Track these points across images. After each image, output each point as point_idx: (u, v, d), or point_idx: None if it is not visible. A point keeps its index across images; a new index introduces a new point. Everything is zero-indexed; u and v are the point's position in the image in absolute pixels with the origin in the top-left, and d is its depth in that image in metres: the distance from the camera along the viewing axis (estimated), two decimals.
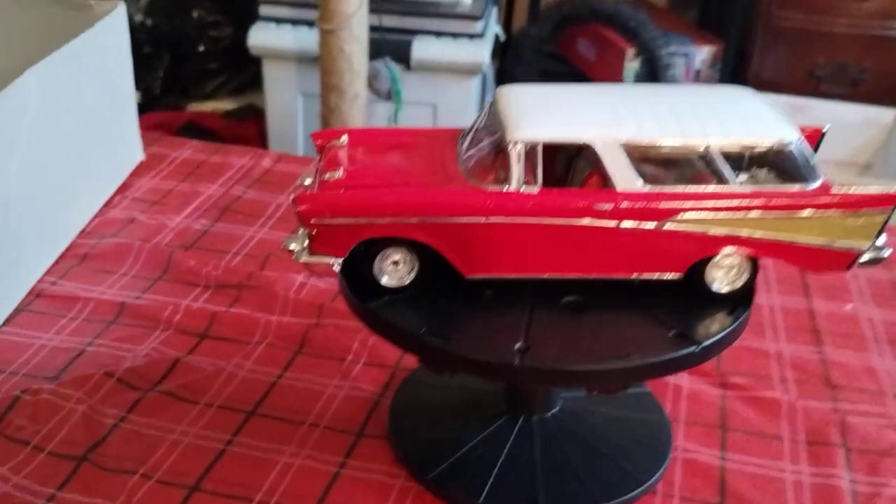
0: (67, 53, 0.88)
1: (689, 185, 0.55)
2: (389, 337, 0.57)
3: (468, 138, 0.60)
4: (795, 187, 0.55)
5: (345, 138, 0.64)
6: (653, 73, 2.35)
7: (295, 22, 2.03)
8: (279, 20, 2.05)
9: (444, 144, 0.62)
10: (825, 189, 0.56)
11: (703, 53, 2.45)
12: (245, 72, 2.44)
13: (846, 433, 0.69)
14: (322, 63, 1.89)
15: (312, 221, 0.55)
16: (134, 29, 2.48)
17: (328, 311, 0.81)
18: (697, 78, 2.47)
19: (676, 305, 0.57)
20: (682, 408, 0.72)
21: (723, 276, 0.57)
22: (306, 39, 1.99)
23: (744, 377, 0.75)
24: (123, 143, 1.06)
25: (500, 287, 0.58)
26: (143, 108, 2.42)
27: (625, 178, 0.55)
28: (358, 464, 0.65)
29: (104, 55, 0.97)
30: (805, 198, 0.55)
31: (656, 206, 0.54)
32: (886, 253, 0.58)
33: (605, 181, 0.55)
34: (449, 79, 2.05)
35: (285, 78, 2.11)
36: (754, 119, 0.57)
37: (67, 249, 0.90)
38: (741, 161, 0.57)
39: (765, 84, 2.44)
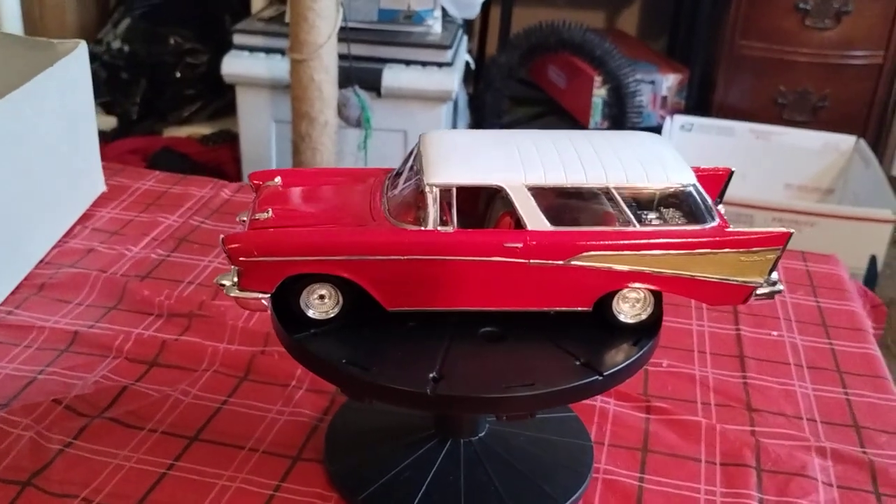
0: (29, 91, 0.92)
1: (594, 226, 0.59)
2: (313, 367, 0.60)
3: (395, 180, 0.64)
4: (693, 227, 0.59)
5: (278, 179, 0.68)
6: (619, 100, 2.40)
7: (268, 51, 2.07)
8: (252, 49, 2.09)
9: (373, 185, 0.66)
10: (720, 229, 0.60)
11: (669, 81, 2.51)
12: (221, 98, 2.47)
13: (760, 455, 0.73)
14: (293, 91, 1.93)
15: (241, 259, 0.59)
16: (112, 55, 2.52)
17: (274, 339, 0.84)
18: (664, 105, 2.53)
19: (585, 336, 0.61)
20: (606, 431, 0.76)
21: (628, 308, 0.61)
22: (279, 68, 2.03)
23: (668, 401, 0.79)
24: (85, 176, 1.09)
25: (423, 318, 0.61)
26: (120, 133, 2.46)
27: (533, 218, 0.58)
28: (292, 486, 0.68)
29: (66, 92, 1.01)
30: (701, 237, 0.59)
31: (563, 244, 0.58)
32: (780, 287, 0.62)
33: (517, 221, 0.59)
34: (419, 106, 2.09)
35: (258, 105, 2.15)
36: (655, 164, 0.61)
37: (25, 279, 0.93)
38: (648, 202, 0.61)
39: (729, 111, 2.50)
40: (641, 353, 0.60)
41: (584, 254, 0.58)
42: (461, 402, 0.58)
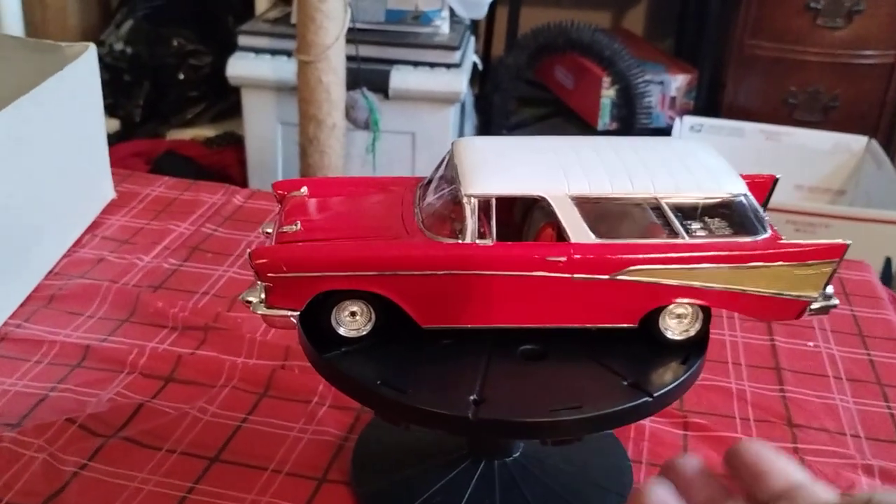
0: (37, 96, 0.89)
1: (641, 239, 0.56)
2: (345, 389, 0.57)
3: (426, 189, 0.61)
4: (744, 239, 0.56)
5: (304, 189, 0.65)
6: (628, 101, 2.37)
7: (273, 52, 2.04)
8: (258, 50, 2.06)
9: (403, 195, 0.62)
10: (773, 241, 0.57)
11: (678, 82, 2.48)
12: (225, 99, 2.45)
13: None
14: (300, 93, 1.90)
15: (269, 275, 0.56)
16: (114, 57, 2.49)
17: (294, 352, 0.81)
18: (673, 105, 2.50)
19: (630, 354, 0.58)
20: (644, 448, 0.73)
21: (675, 325, 0.58)
22: (285, 69, 2.00)
23: (705, 416, 0.76)
24: (94, 182, 1.06)
25: (458, 335, 0.58)
26: (123, 136, 2.43)
27: (577, 230, 0.55)
28: None
29: (75, 96, 0.98)
30: (754, 250, 0.56)
31: (608, 258, 0.55)
32: (835, 301, 0.59)
33: (559, 234, 0.56)
34: (427, 108, 2.06)
35: (264, 107, 2.12)
36: (703, 172, 0.58)
37: (34, 291, 0.90)
38: (695, 211, 0.58)
39: (739, 112, 2.47)
40: (691, 371, 0.57)
41: (631, 268, 0.55)
42: (505, 427, 0.55)
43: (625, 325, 0.58)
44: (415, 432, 0.67)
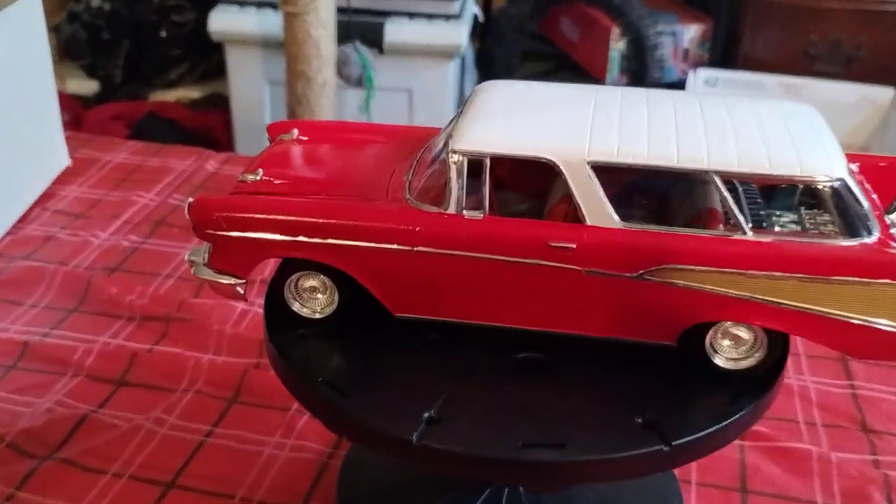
0: None
1: (685, 228, 0.42)
2: (283, 380, 0.46)
3: (433, 144, 0.48)
4: (836, 242, 0.42)
5: (295, 132, 0.52)
6: (639, 53, 2.24)
7: (259, 4, 1.91)
8: (242, 3, 1.93)
9: (411, 149, 0.49)
10: (880, 248, 0.41)
11: (691, 32, 2.35)
12: (210, 58, 2.32)
13: (890, 493, 0.58)
14: (287, 49, 1.78)
15: (207, 232, 0.45)
16: (92, 14, 2.35)
17: None
18: (686, 58, 2.37)
19: (660, 381, 0.43)
20: (693, 464, 0.60)
21: (729, 348, 0.44)
22: (271, 23, 1.86)
23: (765, 422, 0.63)
24: (44, 147, 0.92)
25: (448, 332, 0.45)
26: (103, 98, 2.30)
27: (595, 209, 0.41)
28: None
29: (14, 47, 0.84)
30: (847, 258, 0.41)
31: (636, 251, 0.41)
32: None
33: (573, 212, 0.42)
34: (424, 63, 1.94)
35: (250, 65, 1.99)
36: (786, 143, 0.43)
37: None
38: (769, 197, 0.45)
39: (756, 64, 2.34)
40: (740, 416, 0.42)
41: (668, 266, 0.41)
42: (455, 461, 0.40)
43: (657, 342, 0.44)
44: None
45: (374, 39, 1.91)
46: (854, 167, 0.44)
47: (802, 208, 0.43)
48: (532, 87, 0.48)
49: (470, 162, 0.41)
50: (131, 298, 0.74)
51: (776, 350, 0.43)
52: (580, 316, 0.43)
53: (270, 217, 0.43)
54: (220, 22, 1.94)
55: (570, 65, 2.54)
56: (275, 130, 0.53)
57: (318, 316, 0.46)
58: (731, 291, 0.41)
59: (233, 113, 2.08)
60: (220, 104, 2.28)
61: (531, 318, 0.43)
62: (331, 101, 1.84)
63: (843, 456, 0.61)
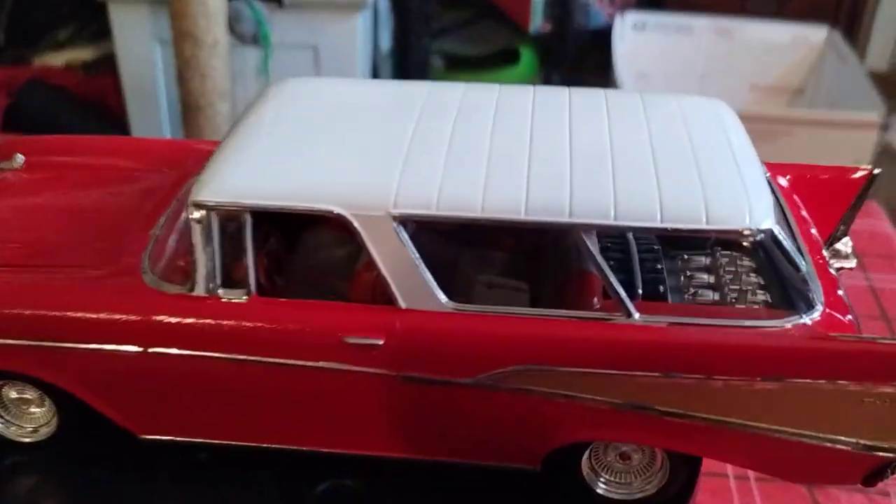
0: None
1: (548, 310, 0.29)
2: None
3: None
4: (764, 323, 0.29)
5: (19, 158, 0.38)
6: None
7: None
8: None
9: (172, 179, 0.35)
10: (826, 327, 0.29)
11: None
12: (102, 17, 2.14)
13: None
14: (171, 7, 1.61)
15: None
16: None
17: None
18: (613, 1, 2.26)
19: None
20: None
21: (615, 473, 0.31)
22: None
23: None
24: None
25: (225, 449, 0.32)
26: None
27: (412, 287, 0.29)
28: None
29: None
30: (779, 346, 0.28)
31: (476, 345, 0.29)
32: None
33: (382, 287, 0.29)
34: (329, 16, 1.80)
35: (136, 24, 1.83)
36: (687, 178, 0.30)
37: None
38: (671, 255, 0.32)
39: (686, 4, 2.24)
40: None
41: (520, 367, 0.28)
42: None
43: (516, 466, 0.32)
44: None
45: None
46: (784, 181, 0.32)
47: (721, 257, 0.31)
48: (338, 90, 0.35)
49: (223, 219, 0.28)
50: None
51: (681, 474, 0.30)
52: (401, 435, 0.30)
53: None
54: None
55: (493, 12, 2.43)
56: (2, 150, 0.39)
57: (29, 439, 0.32)
58: (611, 400, 0.28)
59: (122, 76, 1.92)
60: (112, 67, 2.11)
61: (331, 438, 0.31)
62: (224, 62, 1.69)
63: None
